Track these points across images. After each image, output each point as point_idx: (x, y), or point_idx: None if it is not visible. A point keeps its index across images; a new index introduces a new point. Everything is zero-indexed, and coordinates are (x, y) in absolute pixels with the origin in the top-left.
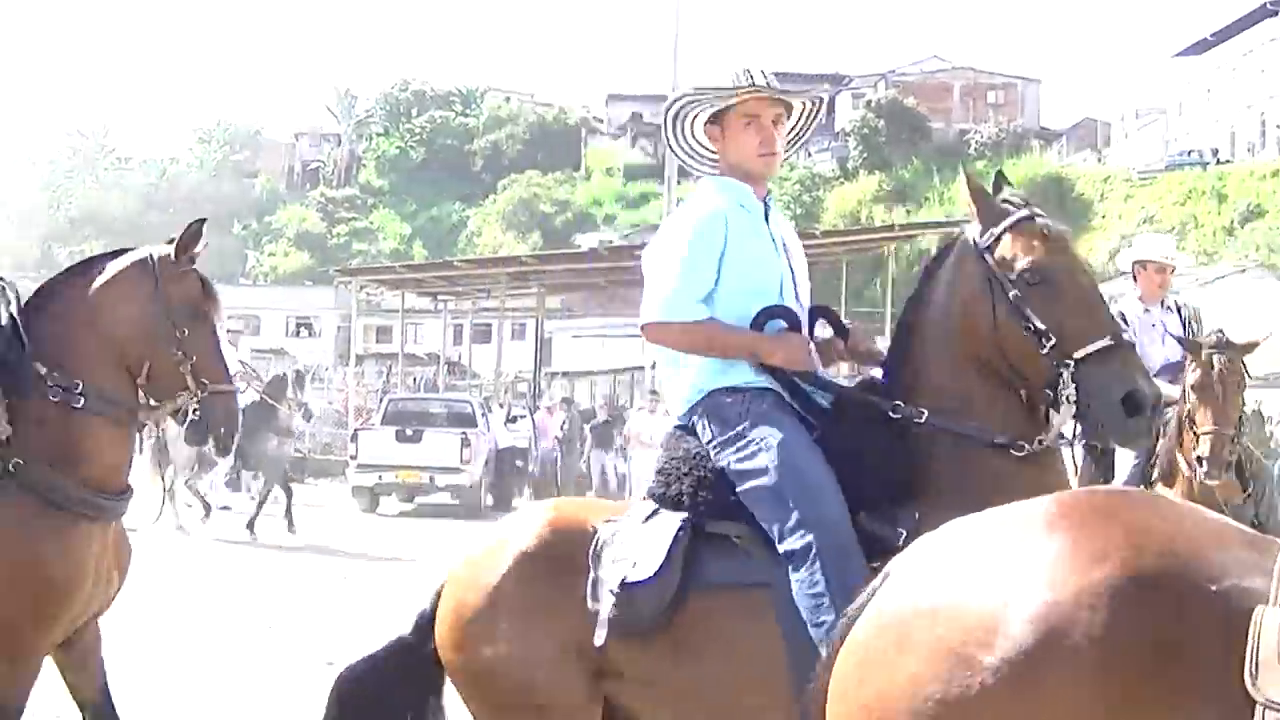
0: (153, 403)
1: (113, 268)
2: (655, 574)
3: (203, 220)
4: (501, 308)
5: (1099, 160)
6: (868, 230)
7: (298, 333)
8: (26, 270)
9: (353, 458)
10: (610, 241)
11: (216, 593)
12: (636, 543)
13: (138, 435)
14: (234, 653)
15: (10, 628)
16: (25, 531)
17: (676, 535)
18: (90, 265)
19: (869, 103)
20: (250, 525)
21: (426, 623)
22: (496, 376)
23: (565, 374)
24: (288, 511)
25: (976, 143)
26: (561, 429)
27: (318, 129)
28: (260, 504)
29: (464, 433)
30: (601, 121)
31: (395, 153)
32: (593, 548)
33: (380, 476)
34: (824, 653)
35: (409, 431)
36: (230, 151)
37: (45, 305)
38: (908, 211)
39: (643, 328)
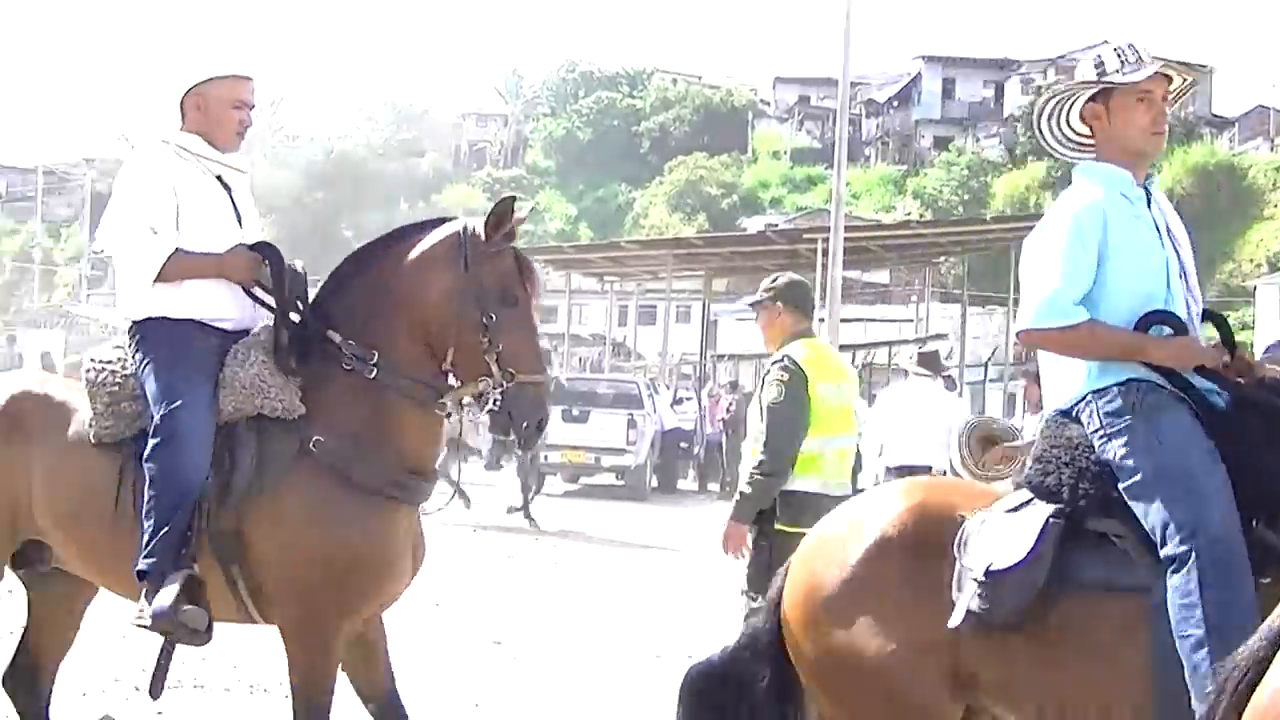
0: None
1: (424, 241)
2: (1019, 563)
3: (512, 198)
4: (668, 289)
5: (1271, 149)
6: (1038, 216)
7: None
8: None
9: None
10: (776, 225)
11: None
12: (1003, 532)
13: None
14: (401, 630)
15: (312, 616)
16: (327, 512)
17: (1045, 526)
18: (400, 236)
19: (1038, 88)
20: (526, 512)
21: (775, 608)
22: (661, 358)
23: (730, 357)
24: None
25: None
26: (727, 411)
27: (484, 109)
28: (535, 491)
29: (630, 414)
30: (768, 104)
31: (562, 134)
32: (959, 537)
33: (545, 456)
34: (1201, 683)
35: (575, 412)
36: (397, 130)
37: (350, 276)
38: None
39: (1019, 334)
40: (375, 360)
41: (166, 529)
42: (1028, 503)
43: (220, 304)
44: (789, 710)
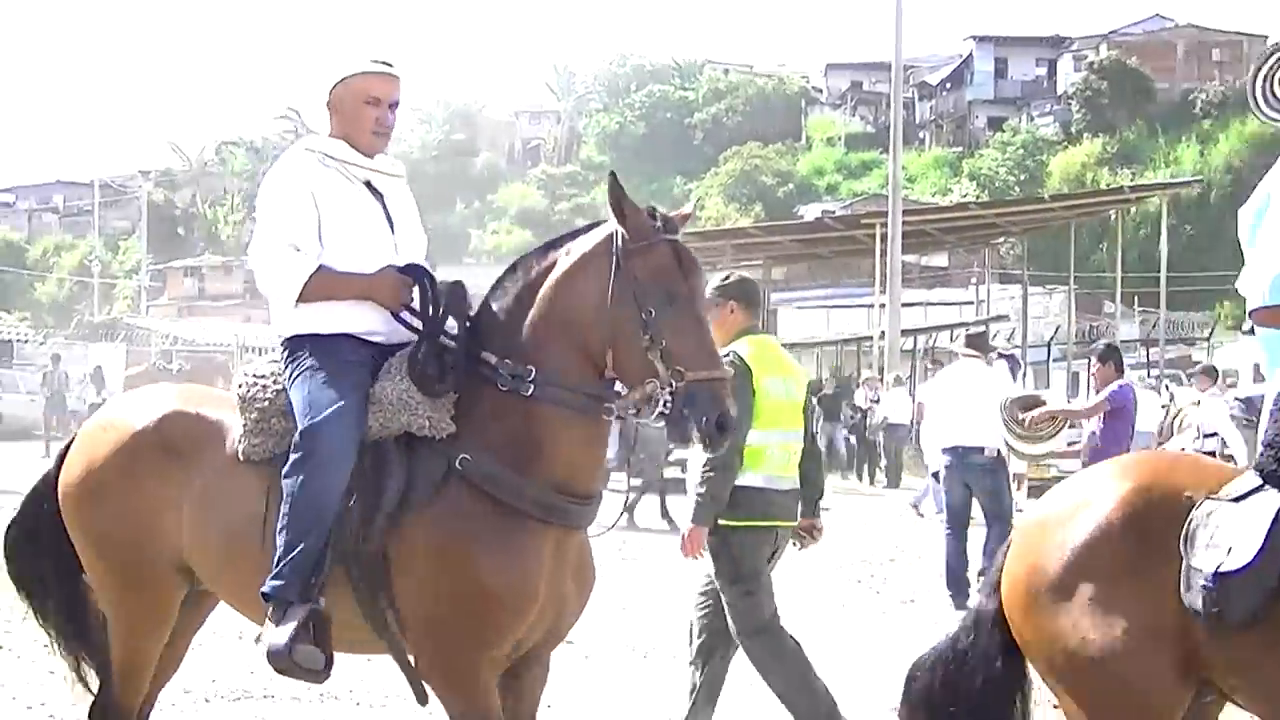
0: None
1: (575, 246)
2: (1249, 564)
3: (616, 180)
4: None
5: None
6: (1097, 193)
7: None
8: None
9: None
10: (833, 211)
11: None
12: (1231, 527)
13: (608, 432)
14: None
15: (449, 645)
16: (470, 536)
17: (1276, 517)
18: (553, 244)
19: (1091, 64)
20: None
21: (995, 589)
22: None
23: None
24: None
25: (1202, 102)
26: None
27: (537, 106)
28: (646, 493)
29: None
30: (821, 91)
31: (615, 128)
32: (1185, 531)
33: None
34: None
35: None
36: (450, 131)
37: (505, 289)
38: (1132, 174)
39: (1251, 313)
40: (532, 376)
41: (298, 552)
42: (1258, 489)
43: (373, 317)
44: (1017, 691)
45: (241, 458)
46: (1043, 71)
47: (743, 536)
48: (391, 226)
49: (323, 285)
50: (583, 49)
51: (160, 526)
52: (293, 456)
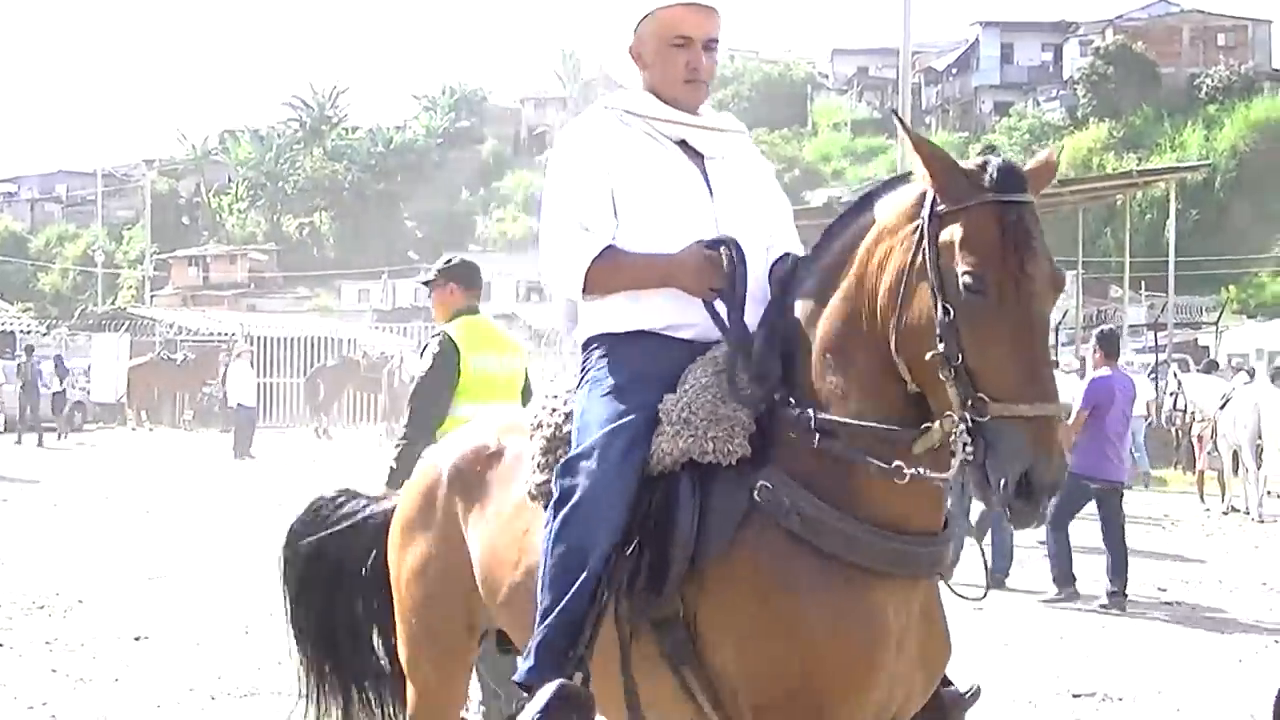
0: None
1: (887, 204)
2: None
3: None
4: None
5: None
6: (1105, 177)
7: (528, 297)
8: (259, 243)
9: None
10: (840, 197)
11: None
12: None
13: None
14: None
15: None
16: (778, 588)
17: None
18: (871, 198)
19: (1097, 49)
20: None
21: None
22: None
23: None
24: None
25: (1208, 87)
26: None
27: (543, 93)
28: None
29: None
30: (827, 77)
31: None
32: None
33: None
34: None
35: None
36: (456, 118)
37: (810, 263)
38: (1139, 159)
39: None
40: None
41: (555, 614)
42: None
43: (679, 307)
44: None
45: (530, 497)
46: (1049, 57)
47: None
48: (711, 193)
49: (610, 271)
50: (588, 35)
51: (454, 578)
52: (553, 496)
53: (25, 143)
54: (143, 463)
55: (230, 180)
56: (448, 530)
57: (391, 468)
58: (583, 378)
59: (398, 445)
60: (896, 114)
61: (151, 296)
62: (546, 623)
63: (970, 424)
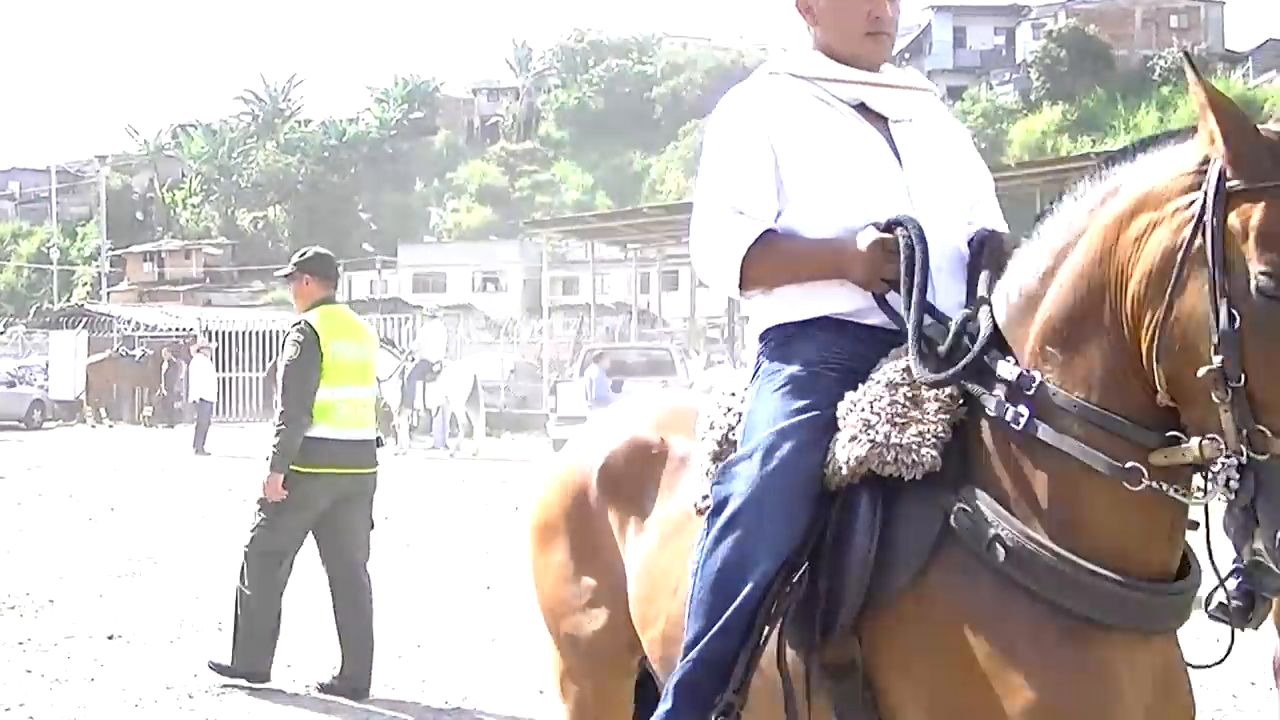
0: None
1: (1145, 168)
2: None
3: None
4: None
5: None
6: (1062, 160)
7: (484, 288)
8: (214, 237)
9: (553, 410)
10: None
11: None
12: None
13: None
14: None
15: None
16: (980, 640)
17: None
18: (1122, 158)
19: (1049, 32)
20: None
21: None
22: (688, 323)
23: None
24: None
25: (1161, 69)
26: None
27: (495, 83)
28: None
29: (664, 380)
30: None
31: (574, 104)
32: None
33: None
34: None
35: (609, 381)
36: (409, 110)
37: (1040, 235)
38: (1093, 141)
39: None
40: (1033, 388)
41: (701, 647)
42: None
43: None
44: None
45: (696, 511)
46: (1001, 40)
47: (308, 480)
48: (900, 160)
49: (768, 263)
50: (539, 24)
51: (608, 596)
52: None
53: None
54: (104, 460)
55: (184, 175)
56: (599, 541)
57: (274, 449)
58: (755, 372)
59: (278, 428)
60: (1189, 56)
61: (107, 293)
62: (690, 658)
63: (1243, 459)
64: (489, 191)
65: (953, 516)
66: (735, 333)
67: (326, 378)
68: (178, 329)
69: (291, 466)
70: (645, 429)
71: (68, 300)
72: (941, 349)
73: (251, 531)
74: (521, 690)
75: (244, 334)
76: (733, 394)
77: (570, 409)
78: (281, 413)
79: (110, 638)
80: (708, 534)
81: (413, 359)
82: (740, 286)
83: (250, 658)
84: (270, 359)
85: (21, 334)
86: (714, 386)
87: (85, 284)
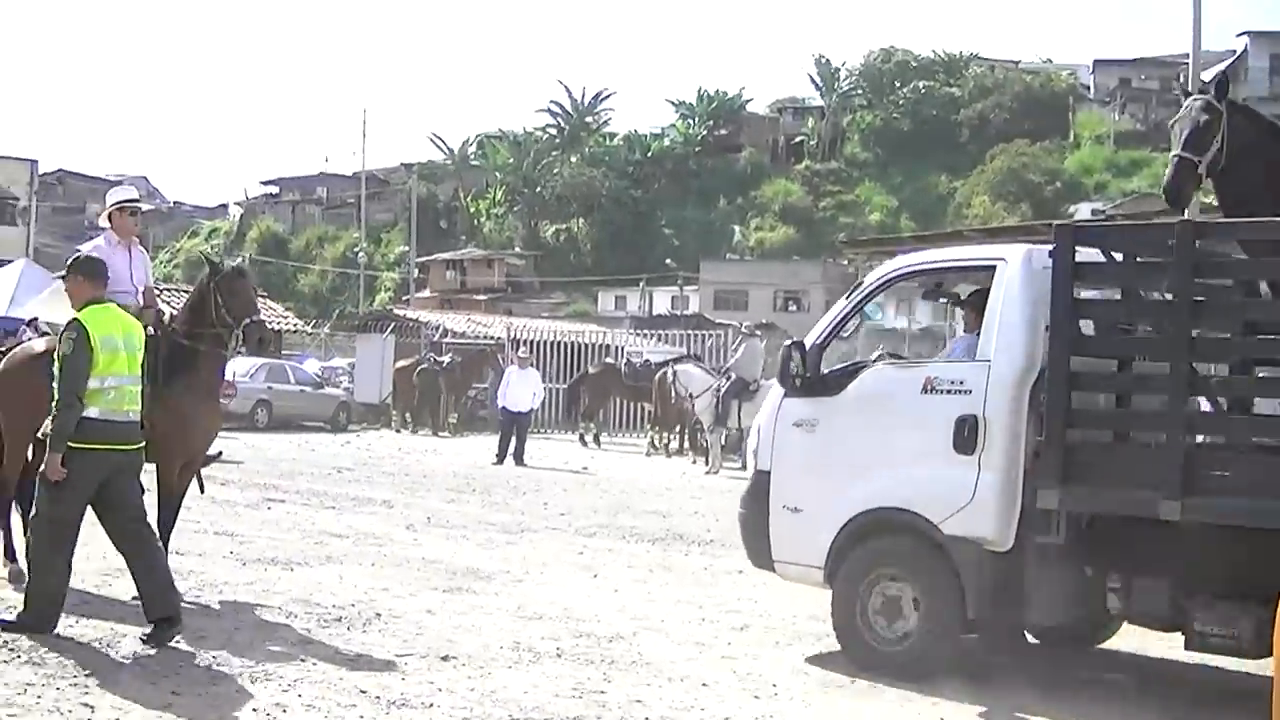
0: None
1: None
2: None
3: None
4: None
5: None
6: None
7: (786, 307)
8: (515, 248)
9: None
10: (1103, 211)
11: None
12: None
13: None
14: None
15: None
16: None
17: None
18: None
19: None
20: None
21: None
22: None
23: None
24: None
25: None
26: None
27: (800, 101)
28: None
29: None
30: (1088, 88)
31: (879, 124)
32: None
33: None
34: None
35: None
36: (714, 126)
37: None
38: None
39: None
40: None
41: None
42: None
43: None
44: None
45: None
46: None
47: (82, 456)
48: None
49: None
50: (844, 42)
51: None
52: None
53: (290, 149)
54: (422, 466)
55: (488, 185)
56: None
57: (48, 430)
58: None
59: (53, 412)
60: None
61: (411, 298)
62: None
63: None
64: (792, 210)
65: None
66: None
67: (97, 366)
68: (484, 336)
69: (71, 444)
70: None
71: (370, 304)
72: None
73: (37, 505)
74: None
75: (548, 344)
76: None
77: None
78: (56, 401)
79: (444, 658)
80: None
81: (729, 376)
82: None
83: (39, 613)
84: (574, 370)
85: (325, 336)
86: None
87: (388, 289)
